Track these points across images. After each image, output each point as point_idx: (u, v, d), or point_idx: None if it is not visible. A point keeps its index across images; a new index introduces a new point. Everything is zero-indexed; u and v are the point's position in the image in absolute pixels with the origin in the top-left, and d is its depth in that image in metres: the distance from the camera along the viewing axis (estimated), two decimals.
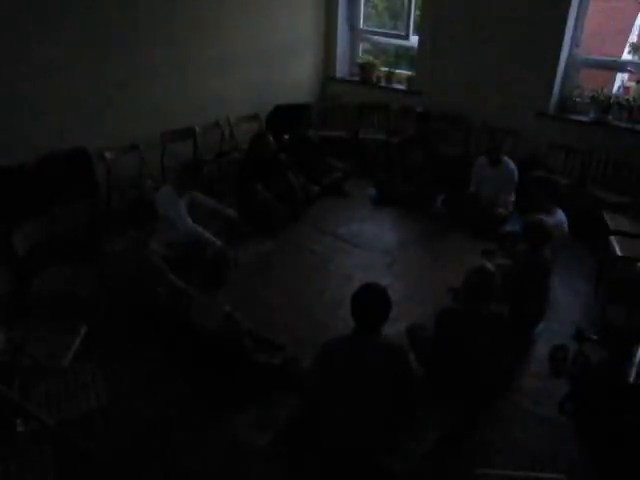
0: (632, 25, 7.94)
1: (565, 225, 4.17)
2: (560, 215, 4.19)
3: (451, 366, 2.94)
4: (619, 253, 3.92)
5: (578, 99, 5.46)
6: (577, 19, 5.28)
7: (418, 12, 6.34)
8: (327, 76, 6.97)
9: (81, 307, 3.32)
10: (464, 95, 5.90)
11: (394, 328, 3.25)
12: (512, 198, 5.05)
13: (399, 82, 6.61)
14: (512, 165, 5.02)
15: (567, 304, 4.05)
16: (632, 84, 5.61)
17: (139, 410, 2.95)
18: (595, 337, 3.51)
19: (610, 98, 5.23)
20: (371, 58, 6.87)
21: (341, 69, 6.97)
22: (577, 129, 5.38)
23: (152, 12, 4.83)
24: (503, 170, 5.02)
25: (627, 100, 5.22)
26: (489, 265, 3.04)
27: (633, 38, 7.79)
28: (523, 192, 5.05)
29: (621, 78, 6.25)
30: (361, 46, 7.03)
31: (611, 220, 4.36)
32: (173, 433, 2.83)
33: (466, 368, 2.90)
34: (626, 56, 6.94)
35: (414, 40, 6.36)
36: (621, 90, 5.83)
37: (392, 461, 2.50)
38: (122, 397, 2.93)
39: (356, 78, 6.85)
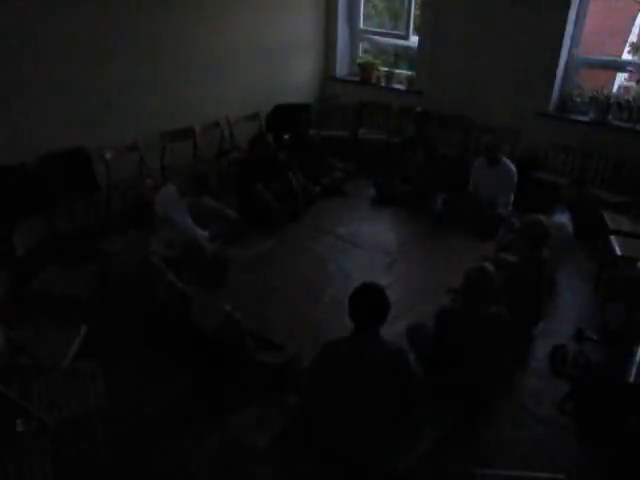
0: (632, 25, 7.93)
1: (568, 227, 4.14)
2: (561, 216, 4.17)
3: (451, 366, 2.94)
4: (619, 253, 3.92)
5: (578, 99, 5.46)
6: (577, 19, 5.28)
7: (418, 12, 6.34)
8: (327, 76, 6.97)
9: (81, 307, 3.32)
10: (464, 95, 5.90)
11: (394, 328, 3.26)
12: (511, 199, 5.05)
13: (399, 82, 6.61)
14: (511, 166, 5.02)
15: (567, 304, 4.05)
16: (632, 84, 5.60)
17: (139, 410, 2.95)
18: (595, 337, 3.51)
19: (610, 98, 5.23)
20: (371, 58, 6.87)
21: (341, 69, 6.97)
22: (577, 129, 5.38)
23: (152, 12, 4.83)
24: (502, 170, 5.01)
25: (627, 100, 5.22)
26: (489, 265, 3.04)
27: (633, 38, 7.78)
28: (522, 193, 5.05)
29: (621, 78, 6.24)
30: (361, 46, 7.03)
31: (611, 220, 4.37)
32: (173, 433, 2.83)
33: (466, 368, 2.90)
34: (626, 56, 6.93)
35: (414, 40, 6.36)
36: (621, 90, 5.82)
37: (392, 461, 2.50)
38: (122, 397, 2.93)
39: (356, 78, 6.85)
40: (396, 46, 6.85)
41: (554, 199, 4.32)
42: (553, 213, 4.15)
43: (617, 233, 4.19)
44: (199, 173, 4.50)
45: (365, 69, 6.68)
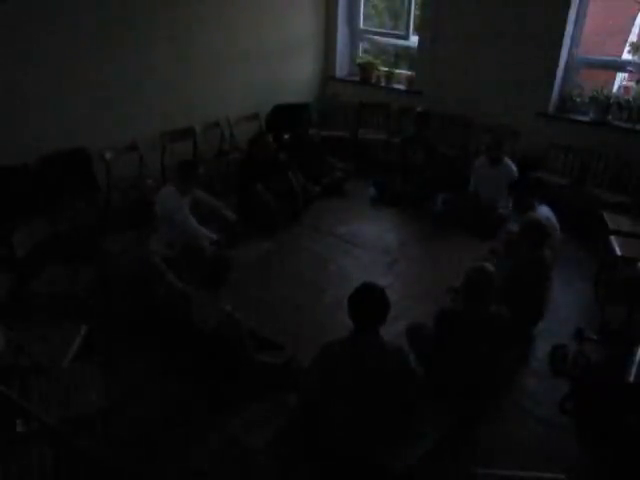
0: (632, 25, 7.91)
1: (553, 220, 4.09)
2: (544, 210, 4.13)
3: (451, 366, 2.94)
4: (619, 253, 3.92)
5: (578, 99, 5.46)
6: (577, 19, 5.29)
7: (418, 12, 6.34)
8: (327, 76, 6.97)
9: (81, 307, 3.32)
10: (464, 95, 5.90)
11: (394, 328, 3.26)
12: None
13: (399, 82, 6.61)
14: (512, 166, 5.02)
15: (567, 304, 4.05)
16: (632, 84, 5.60)
17: (139, 410, 2.95)
18: (595, 337, 3.51)
19: (610, 98, 5.23)
20: (371, 58, 6.87)
21: (341, 69, 6.98)
22: (577, 129, 5.38)
23: (152, 12, 4.83)
24: (503, 170, 5.01)
25: (627, 100, 5.22)
26: (489, 265, 3.04)
27: (633, 38, 7.77)
28: (522, 193, 5.05)
29: (621, 78, 6.23)
30: (361, 46, 7.03)
31: (611, 220, 4.37)
32: (173, 433, 2.83)
33: (466, 368, 2.90)
34: (626, 56, 6.92)
35: (414, 40, 6.36)
36: (621, 90, 5.82)
37: (392, 461, 2.50)
38: (122, 397, 2.93)
39: (356, 78, 6.85)
40: (396, 46, 6.85)
41: (534, 194, 4.28)
42: (534, 208, 4.13)
43: (617, 233, 4.19)
44: (187, 160, 4.45)
45: (365, 69, 6.68)
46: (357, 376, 2.48)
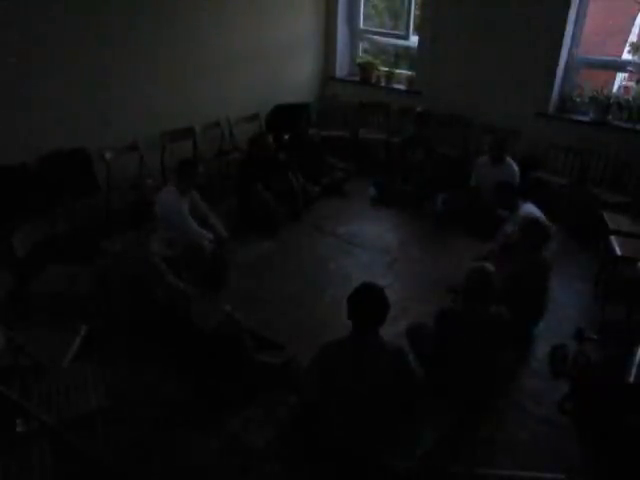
0: (632, 25, 7.92)
1: (542, 217, 4.06)
2: (530, 208, 4.12)
3: (451, 366, 2.94)
4: (619, 253, 3.92)
5: (578, 99, 5.46)
6: (577, 19, 5.29)
7: (418, 12, 6.34)
8: (327, 76, 6.98)
9: (81, 307, 3.32)
10: (464, 95, 5.90)
11: (394, 328, 3.26)
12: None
13: (399, 82, 6.62)
14: (514, 166, 5.02)
15: (567, 304, 4.05)
16: (632, 84, 5.61)
17: (139, 410, 2.95)
18: (595, 337, 3.51)
19: (610, 98, 5.24)
20: (371, 58, 6.87)
21: (341, 69, 6.98)
22: (577, 129, 5.38)
23: (153, 12, 4.83)
24: (505, 171, 5.01)
25: (627, 100, 5.22)
26: (489, 265, 3.04)
27: (633, 38, 7.77)
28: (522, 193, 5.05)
29: (621, 78, 6.24)
30: (361, 46, 7.03)
31: (611, 220, 4.37)
32: (173, 433, 2.83)
33: (466, 368, 2.90)
34: (626, 56, 6.93)
35: (414, 40, 6.36)
36: (621, 90, 5.82)
37: (392, 461, 2.50)
38: (122, 397, 2.93)
39: (356, 78, 6.85)
40: (396, 46, 6.85)
41: (514, 195, 4.27)
42: (516, 208, 4.12)
43: (617, 233, 4.19)
44: (187, 158, 4.44)
45: (365, 69, 6.68)
46: (357, 376, 2.48)
